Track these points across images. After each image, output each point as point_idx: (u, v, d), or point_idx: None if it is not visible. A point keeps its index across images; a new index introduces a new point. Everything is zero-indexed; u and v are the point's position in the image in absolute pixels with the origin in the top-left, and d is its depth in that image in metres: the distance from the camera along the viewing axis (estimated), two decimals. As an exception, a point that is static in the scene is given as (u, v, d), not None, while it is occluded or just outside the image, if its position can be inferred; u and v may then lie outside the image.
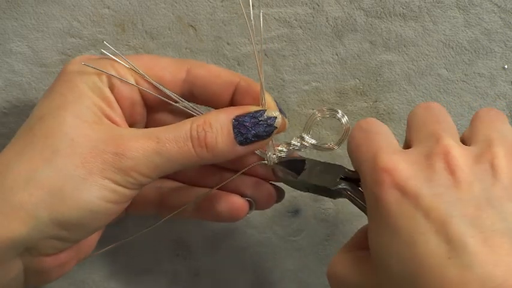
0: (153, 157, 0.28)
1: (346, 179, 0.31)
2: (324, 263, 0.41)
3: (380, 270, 0.26)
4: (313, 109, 0.38)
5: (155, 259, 0.40)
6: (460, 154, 0.26)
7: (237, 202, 0.33)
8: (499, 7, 0.37)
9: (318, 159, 0.33)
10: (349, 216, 0.40)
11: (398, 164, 0.26)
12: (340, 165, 0.32)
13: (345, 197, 0.31)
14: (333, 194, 0.31)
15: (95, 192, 0.27)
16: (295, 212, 0.40)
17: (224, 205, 0.33)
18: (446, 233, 0.24)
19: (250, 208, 0.34)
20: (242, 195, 0.34)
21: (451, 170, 0.25)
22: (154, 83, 0.31)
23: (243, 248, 0.40)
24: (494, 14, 0.37)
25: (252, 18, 0.30)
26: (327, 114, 0.33)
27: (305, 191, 0.33)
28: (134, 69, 0.30)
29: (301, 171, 0.33)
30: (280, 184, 0.35)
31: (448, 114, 0.29)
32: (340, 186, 0.31)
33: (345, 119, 0.33)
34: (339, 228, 0.40)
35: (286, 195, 0.36)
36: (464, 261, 0.23)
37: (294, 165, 0.33)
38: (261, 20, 0.30)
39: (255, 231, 0.40)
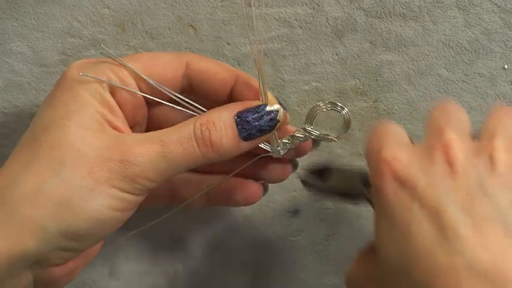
0: (159, 161, 0.28)
1: (368, 183, 0.31)
2: (324, 263, 0.41)
3: (381, 262, 0.27)
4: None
5: (155, 259, 0.40)
6: (459, 146, 0.26)
7: (251, 187, 0.34)
8: (499, 7, 0.37)
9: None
10: (349, 216, 0.40)
11: (399, 156, 0.27)
12: (363, 171, 0.32)
13: (367, 201, 0.31)
14: (355, 199, 0.32)
15: (102, 202, 0.27)
16: (295, 212, 0.40)
17: (239, 192, 0.34)
18: (440, 221, 0.24)
19: (265, 190, 0.34)
20: (255, 177, 0.34)
21: (449, 161, 0.26)
22: (154, 84, 0.31)
23: (243, 248, 0.40)
24: (494, 14, 0.37)
25: (254, 17, 0.30)
26: (329, 106, 0.33)
27: (330, 199, 0.33)
28: (134, 71, 0.30)
29: (327, 180, 0.33)
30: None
31: (463, 111, 0.29)
32: (361, 191, 0.31)
33: (344, 111, 0.33)
34: (339, 228, 0.40)
35: (286, 195, 0.36)
36: (455, 247, 0.23)
37: (320, 174, 0.33)
38: (258, 20, 0.30)
39: (255, 231, 0.40)
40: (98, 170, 0.27)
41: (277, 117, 0.31)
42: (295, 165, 0.35)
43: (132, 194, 0.28)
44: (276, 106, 0.31)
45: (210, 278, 0.41)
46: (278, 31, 0.37)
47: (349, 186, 0.32)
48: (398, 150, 0.27)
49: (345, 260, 0.41)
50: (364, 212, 0.40)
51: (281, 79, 0.37)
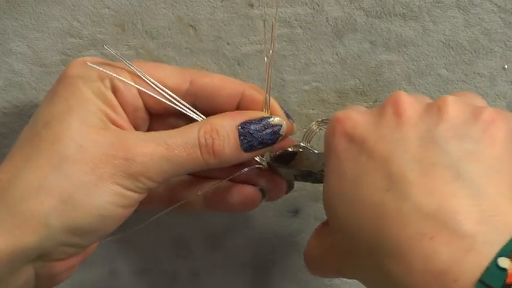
0: (162, 162, 0.28)
1: None
2: (324, 263, 0.41)
3: (331, 224, 0.27)
4: (313, 108, 0.38)
5: (155, 259, 0.40)
6: (409, 100, 0.27)
7: (249, 192, 0.33)
8: (499, 7, 0.37)
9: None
10: (349, 216, 0.40)
11: (350, 114, 0.28)
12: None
13: None
14: (318, 177, 0.32)
15: (105, 198, 0.27)
16: (295, 212, 0.40)
17: (237, 196, 0.33)
18: (387, 169, 0.24)
19: (263, 197, 0.34)
20: (253, 185, 0.34)
21: (397, 112, 0.26)
22: (156, 83, 0.31)
23: (242, 247, 0.40)
24: (494, 14, 0.37)
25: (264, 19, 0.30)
26: (325, 127, 0.33)
27: (294, 179, 0.34)
28: (137, 72, 0.30)
29: (291, 163, 0.33)
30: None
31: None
32: (322, 169, 0.31)
33: None
34: (339, 228, 0.40)
35: (286, 195, 0.36)
36: (402, 193, 0.23)
37: (284, 157, 0.33)
38: (274, 24, 0.30)
39: (255, 231, 0.40)
40: (102, 166, 0.27)
41: (281, 131, 0.31)
42: (290, 186, 0.35)
43: (134, 191, 0.28)
44: (280, 120, 0.31)
45: (210, 278, 0.41)
46: (278, 31, 0.37)
47: (310, 166, 0.32)
48: (352, 111, 0.28)
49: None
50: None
51: (281, 79, 0.37)
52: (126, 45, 0.36)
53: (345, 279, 0.41)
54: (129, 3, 0.36)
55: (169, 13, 0.36)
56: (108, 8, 0.36)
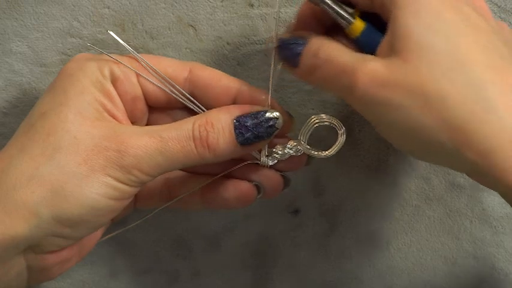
0: (155, 155, 0.28)
1: None
2: (324, 261, 0.41)
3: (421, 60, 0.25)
4: (313, 108, 0.38)
5: (155, 259, 0.40)
6: None
7: (244, 187, 0.33)
8: (499, 7, 0.36)
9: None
10: (350, 213, 0.40)
11: None
12: None
13: None
14: None
15: (96, 189, 0.27)
16: (295, 211, 0.40)
17: (232, 191, 0.33)
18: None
19: (259, 193, 0.34)
20: (249, 181, 0.34)
21: None
22: (156, 70, 0.31)
23: (243, 246, 0.40)
24: (494, 14, 0.37)
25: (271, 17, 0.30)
26: (326, 121, 0.33)
27: None
28: (137, 57, 0.30)
29: None
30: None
31: None
32: None
33: (341, 131, 0.32)
34: (339, 225, 0.40)
35: (286, 194, 0.36)
36: None
37: None
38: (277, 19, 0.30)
39: (255, 231, 0.40)
40: (94, 158, 0.27)
41: (276, 125, 0.30)
42: (287, 182, 0.35)
43: (127, 184, 0.28)
44: (276, 113, 0.30)
45: (210, 278, 0.41)
46: (278, 31, 0.37)
47: None
48: None
49: (345, 257, 0.41)
50: (363, 210, 0.40)
51: (281, 79, 0.37)
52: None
53: (344, 279, 0.41)
54: (129, 3, 0.36)
55: (169, 13, 0.36)
56: (108, 8, 0.36)
